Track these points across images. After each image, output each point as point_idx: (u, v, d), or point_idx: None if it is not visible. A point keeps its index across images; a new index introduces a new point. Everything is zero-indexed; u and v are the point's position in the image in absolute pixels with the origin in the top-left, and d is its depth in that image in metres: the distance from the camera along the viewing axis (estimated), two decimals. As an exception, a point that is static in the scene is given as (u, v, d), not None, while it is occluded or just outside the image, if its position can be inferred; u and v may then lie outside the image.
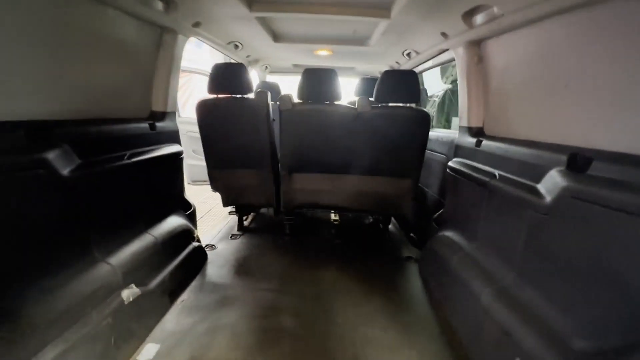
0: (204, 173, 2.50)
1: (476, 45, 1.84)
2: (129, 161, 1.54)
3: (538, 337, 1.03)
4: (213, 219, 3.54)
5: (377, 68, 3.78)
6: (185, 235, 2.01)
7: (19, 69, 1.11)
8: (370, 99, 2.20)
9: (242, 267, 2.14)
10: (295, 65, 3.82)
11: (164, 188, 1.95)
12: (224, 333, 1.48)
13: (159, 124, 1.94)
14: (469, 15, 1.58)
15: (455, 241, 1.78)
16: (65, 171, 1.17)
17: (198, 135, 2.27)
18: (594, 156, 1.04)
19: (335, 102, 2.19)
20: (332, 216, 3.17)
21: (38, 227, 1.11)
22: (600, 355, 0.83)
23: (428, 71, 3.32)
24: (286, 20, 2.23)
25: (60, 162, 1.15)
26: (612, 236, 0.91)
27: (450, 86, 4.04)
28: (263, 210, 3.24)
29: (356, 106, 2.15)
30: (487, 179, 1.51)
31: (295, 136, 2.22)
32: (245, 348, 1.39)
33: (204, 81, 2.25)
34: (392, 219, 3.05)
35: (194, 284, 1.89)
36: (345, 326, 1.57)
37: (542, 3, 1.18)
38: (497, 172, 1.49)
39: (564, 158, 1.15)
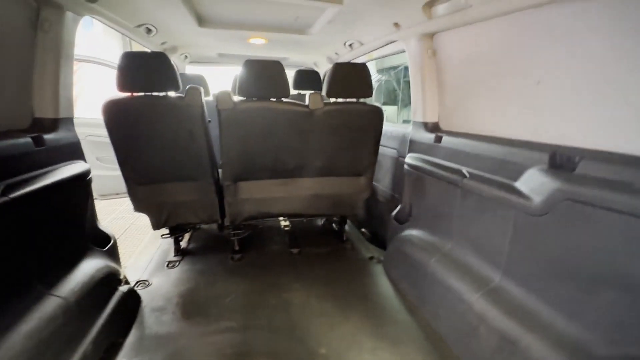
0: (113, 184, 1.98)
1: (430, 38, 1.78)
2: (5, 198, 1.04)
3: (546, 343, 1.01)
4: (134, 240, 2.91)
5: (312, 59, 3.58)
6: (108, 282, 1.53)
7: None
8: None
9: (190, 305, 1.75)
10: (221, 55, 3.36)
11: (67, 225, 1.43)
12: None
13: (48, 137, 1.40)
14: (430, 5, 1.49)
15: (427, 241, 1.74)
16: None
17: (100, 139, 1.75)
18: (571, 154, 1.05)
19: (283, 99, 1.92)
20: (282, 222, 2.92)
21: None
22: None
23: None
24: (215, 1, 1.84)
25: None
26: (608, 236, 0.91)
27: (384, 77, 4.10)
28: (202, 226, 2.79)
29: (307, 103, 1.92)
30: (458, 177, 1.47)
31: (239, 139, 1.89)
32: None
33: (99, 71, 1.72)
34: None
35: (129, 341, 1.45)
36: (331, 357, 1.38)
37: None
38: (465, 170, 1.46)
39: (541, 156, 1.14)
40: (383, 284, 1.99)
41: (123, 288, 1.61)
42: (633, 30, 0.91)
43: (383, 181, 2.60)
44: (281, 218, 2.93)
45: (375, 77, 4.32)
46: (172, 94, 1.81)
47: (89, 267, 1.44)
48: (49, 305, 1.14)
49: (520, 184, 1.19)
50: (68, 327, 1.17)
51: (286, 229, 2.79)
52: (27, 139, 1.29)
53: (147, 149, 1.82)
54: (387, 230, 2.23)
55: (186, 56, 3.29)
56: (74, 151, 1.55)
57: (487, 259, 1.36)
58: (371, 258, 2.29)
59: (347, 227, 2.73)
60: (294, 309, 1.71)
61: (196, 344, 1.45)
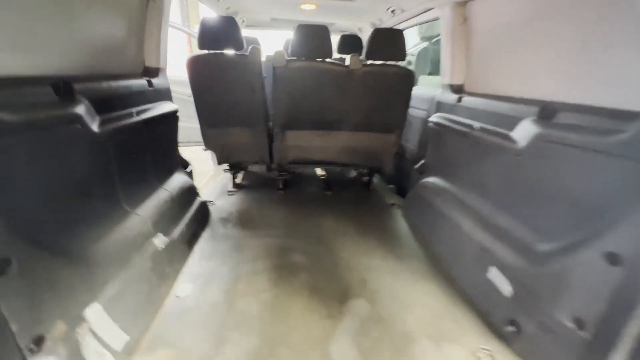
0: (186, 134, 2.50)
1: (462, 6, 1.98)
2: (139, 118, 1.56)
3: (509, 247, 1.35)
4: (197, 178, 3.56)
5: (357, 25, 3.79)
6: (191, 191, 2.10)
7: (31, 23, 1.08)
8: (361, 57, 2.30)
9: (245, 219, 2.29)
10: (274, 20, 3.70)
11: (167, 146, 1.98)
12: (245, 272, 1.68)
13: (154, 80, 1.91)
14: (461, -24, 1.70)
15: (439, 185, 2.07)
16: (94, 127, 1.20)
17: (179, 96, 2.23)
18: (558, 107, 1.30)
19: (327, 60, 2.26)
20: (319, 171, 3.36)
21: (80, 180, 1.16)
22: (554, 252, 1.15)
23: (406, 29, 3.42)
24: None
25: (89, 118, 1.18)
26: (571, 167, 1.19)
27: (426, 43, 4.18)
28: (252, 168, 3.33)
29: (348, 63, 2.24)
30: (467, 129, 1.75)
31: (289, 93, 2.28)
32: (268, 281, 1.61)
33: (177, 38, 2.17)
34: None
35: (205, 234, 2.03)
36: (349, 259, 1.84)
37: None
38: (475, 124, 1.74)
39: (534, 109, 1.40)
40: (399, 222, 2.37)
41: (199, 199, 2.18)
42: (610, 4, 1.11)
43: (412, 140, 2.88)
44: (317, 168, 3.37)
45: (420, 45, 4.40)
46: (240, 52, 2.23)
47: (180, 178, 2.00)
48: (162, 194, 1.71)
49: (514, 133, 1.46)
50: (172, 209, 1.73)
51: (322, 177, 3.24)
52: (144, 81, 1.80)
53: (217, 97, 2.29)
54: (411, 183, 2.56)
55: (244, 20, 3.68)
56: (167, 94, 2.07)
57: (481, 194, 1.67)
58: (392, 204, 2.67)
59: (375, 180, 3.10)
60: (323, 229, 2.17)
61: (251, 241, 1.98)
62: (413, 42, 4.50)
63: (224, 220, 2.25)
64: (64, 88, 1.12)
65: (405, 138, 2.91)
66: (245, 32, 4.15)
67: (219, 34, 2.13)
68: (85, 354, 0.98)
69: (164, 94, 2.04)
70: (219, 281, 1.58)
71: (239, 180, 3.01)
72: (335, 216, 2.39)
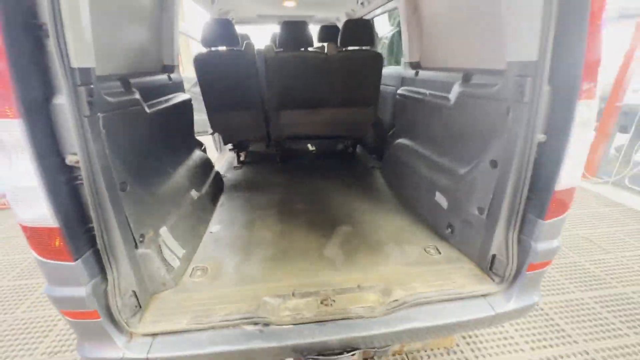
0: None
1: (413, -2, 2.48)
2: (168, 104, 2.06)
3: (445, 176, 1.90)
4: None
5: (334, 15, 4.25)
6: (209, 164, 2.62)
7: (110, 42, 1.57)
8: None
9: (253, 185, 2.82)
10: (260, 16, 4.15)
11: (186, 127, 2.48)
12: (258, 215, 2.22)
13: (172, 75, 2.39)
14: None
15: (404, 144, 2.61)
16: (146, 109, 1.70)
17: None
18: (473, 72, 1.82)
19: (309, 49, 2.75)
20: (309, 147, 3.89)
21: (146, 142, 1.67)
22: (468, 171, 1.70)
23: (379, 16, 3.89)
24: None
25: (142, 102, 1.68)
26: (477, 112, 1.72)
27: (397, 29, 4.65)
28: (253, 148, 3.84)
29: (326, 51, 2.74)
30: (421, 97, 2.28)
31: (279, 79, 2.78)
32: (277, 220, 2.15)
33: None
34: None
35: (222, 196, 2.56)
36: (337, 203, 2.38)
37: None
38: (426, 91, 2.26)
39: (460, 75, 1.92)
40: (377, 178, 2.92)
41: (215, 169, 2.70)
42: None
43: (386, 113, 3.40)
44: (308, 144, 3.90)
45: (393, 30, 4.88)
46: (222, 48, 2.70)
47: (199, 153, 2.51)
48: (189, 162, 2.23)
49: (449, 94, 1.99)
50: (197, 174, 2.26)
51: (312, 151, 3.76)
52: (165, 76, 2.29)
53: (220, 86, 2.78)
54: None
55: (233, 18, 4.12)
56: (181, 86, 2.56)
57: (431, 143, 2.21)
58: (373, 167, 3.21)
59: (358, 150, 3.63)
60: (316, 187, 2.72)
61: (259, 198, 2.52)
62: (388, 29, 4.97)
63: (235, 187, 2.77)
64: (125, 83, 1.61)
65: (381, 111, 3.43)
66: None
67: (218, 34, 2.60)
68: (164, 253, 1.51)
69: (179, 87, 2.52)
70: (239, 222, 2.12)
71: (242, 158, 3.52)
72: (325, 178, 2.93)
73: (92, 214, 1.10)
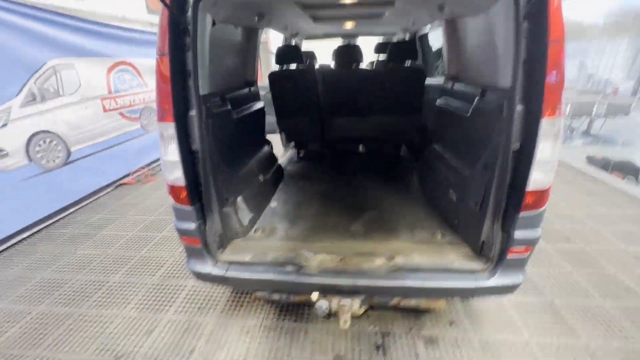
0: None
1: (450, 23, 2.82)
2: (250, 110, 2.82)
3: (455, 175, 2.25)
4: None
5: (392, 30, 4.69)
6: (273, 157, 3.36)
7: (212, 68, 2.36)
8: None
9: (306, 176, 3.49)
10: (326, 34, 4.82)
11: (260, 128, 3.25)
12: (306, 199, 2.84)
13: (252, 89, 3.18)
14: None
15: (435, 148, 2.96)
16: (234, 115, 2.46)
17: None
18: (487, 89, 2.14)
19: (360, 67, 3.30)
20: (359, 148, 4.40)
21: (236, 139, 2.44)
22: (470, 173, 2.04)
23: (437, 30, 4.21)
24: (324, 10, 3.28)
25: (232, 110, 2.44)
26: (481, 125, 2.04)
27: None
28: (311, 148, 4.53)
29: (374, 67, 3.25)
30: (452, 107, 2.63)
31: (333, 91, 3.38)
32: (320, 204, 2.75)
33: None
34: (403, 147, 4.23)
35: (282, 182, 3.27)
36: (374, 195, 2.88)
37: None
38: (455, 102, 2.60)
39: (479, 91, 2.24)
40: (414, 178, 3.30)
41: (277, 163, 3.42)
42: None
43: (429, 119, 3.73)
44: (357, 145, 4.42)
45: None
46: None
47: (267, 148, 3.26)
48: (259, 154, 2.97)
49: (470, 106, 2.32)
50: (264, 163, 2.99)
51: (361, 152, 4.27)
52: (246, 89, 3.08)
53: (287, 96, 3.50)
54: None
55: (303, 37, 4.87)
56: (258, 96, 3.33)
57: (452, 151, 2.54)
58: (412, 168, 3.59)
59: (402, 152, 4.02)
60: (358, 182, 3.24)
61: (309, 186, 3.16)
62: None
63: (292, 176, 3.47)
64: (222, 97, 2.38)
65: (426, 117, 3.76)
66: (304, 45, 5.37)
67: (287, 55, 3.32)
68: (239, 214, 2.23)
69: (257, 96, 3.30)
70: (291, 202, 2.79)
71: (301, 155, 4.22)
72: (367, 175, 3.43)
73: (202, 181, 1.84)
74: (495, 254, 1.77)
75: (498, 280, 1.77)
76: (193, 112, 1.73)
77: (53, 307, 2.57)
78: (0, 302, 2.65)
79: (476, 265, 1.85)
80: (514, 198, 1.66)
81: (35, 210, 3.75)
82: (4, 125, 3.46)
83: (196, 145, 1.77)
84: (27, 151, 3.73)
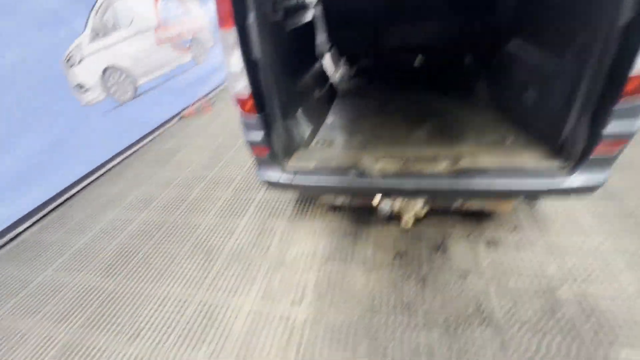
0: None
1: None
2: (303, 22, 2.68)
3: (529, 73, 1.99)
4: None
5: None
6: (326, 74, 3.26)
7: None
8: None
9: (361, 93, 3.35)
10: None
11: (311, 41, 3.11)
12: (366, 112, 2.79)
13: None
14: None
15: (510, 51, 2.58)
16: (288, 25, 2.36)
17: None
18: None
19: None
20: (418, 60, 4.03)
21: (288, 53, 2.41)
22: (556, 66, 1.77)
23: None
24: None
25: (286, 20, 2.33)
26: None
27: None
28: (363, 63, 4.27)
29: None
30: None
31: None
32: (376, 115, 2.69)
33: None
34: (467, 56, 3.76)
35: (336, 100, 3.22)
36: (437, 103, 2.70)
37: None
38: None
39: None
40: (481, 85, 2.99)
41: (330, 81, 3.33)
42: None
43: (505, 17, 3.20)
44: (417, 55, 4.03)
45: None
46: None
47: (320, 64, 3.16)
48: (313, 70, 2.90)
49: None
50: (317, 80, 2.93)
51: (420, 61, 3.91)
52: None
53: (338, 5, 3.20)
54: None
55: None
56: (308, 6, 3.11)
57: (535, 45, 2.20)
58: (478, 76, 3.23)
59: (467, 61, 3.59)
60: (418, 92, 3.05)
61: (367, 100, 3.05)
62: None
63: (347, 93, 3.37)
64: (276, 5, 2.27)
65: (498, 16, 3.23)
66: None
67: None
68: (300, 127, 2.31)
69: (307, 6, 3.09)
70: (348, 117, 2.77)
71: (353, 72, 4.02)
72: (427, 85, 3.18)
73: (264, 91, 1.88)
74: (578, 151, 1.64)
75: (577, 179, 1.67)
76: (251, 19, 1.70)
77: (151, 215, 3.09)
78: (114, 211, 3.26)
79: (553, 164, 1.74)
80: (611, 86, 1.45)
81: (120, 139, 4.29)
82: (81, 60, 3.77)
83: (256, 53, 1.78)
84: (103, 85, 4.09)
